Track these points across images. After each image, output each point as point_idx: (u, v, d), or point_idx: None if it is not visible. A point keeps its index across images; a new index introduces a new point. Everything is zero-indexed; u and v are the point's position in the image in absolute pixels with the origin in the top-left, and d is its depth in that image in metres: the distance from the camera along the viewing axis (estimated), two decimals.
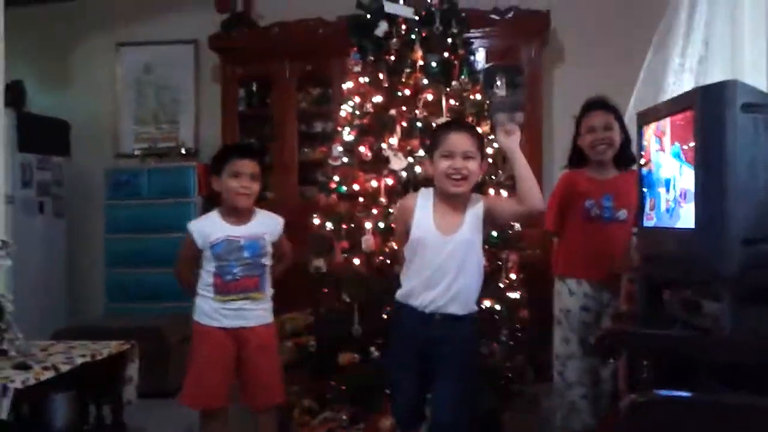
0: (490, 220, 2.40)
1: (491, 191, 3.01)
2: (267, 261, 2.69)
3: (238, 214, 2.68)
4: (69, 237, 5.22)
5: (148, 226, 4.79)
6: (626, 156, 2.98)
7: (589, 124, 2.96)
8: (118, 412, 3.04)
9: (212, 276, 2.64)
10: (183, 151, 5.03)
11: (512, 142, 2.31)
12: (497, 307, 2.95)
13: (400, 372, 2.44)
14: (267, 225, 2.72)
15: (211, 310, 2.64)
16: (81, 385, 2.95)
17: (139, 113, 5.42)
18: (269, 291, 2.73)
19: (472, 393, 2.43)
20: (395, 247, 2.81)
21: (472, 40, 3.56)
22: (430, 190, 2.42)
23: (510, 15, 4.47)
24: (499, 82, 4.70)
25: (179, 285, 2.81)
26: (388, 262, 2.91)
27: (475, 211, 2.35)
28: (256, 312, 2.68)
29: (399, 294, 2.42)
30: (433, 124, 2.96)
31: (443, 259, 2.31)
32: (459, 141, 2.31)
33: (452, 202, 2.35)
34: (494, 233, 2.95)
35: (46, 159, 5.00)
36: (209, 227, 2.67)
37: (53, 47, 5.49)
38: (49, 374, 2.55)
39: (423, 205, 2.37)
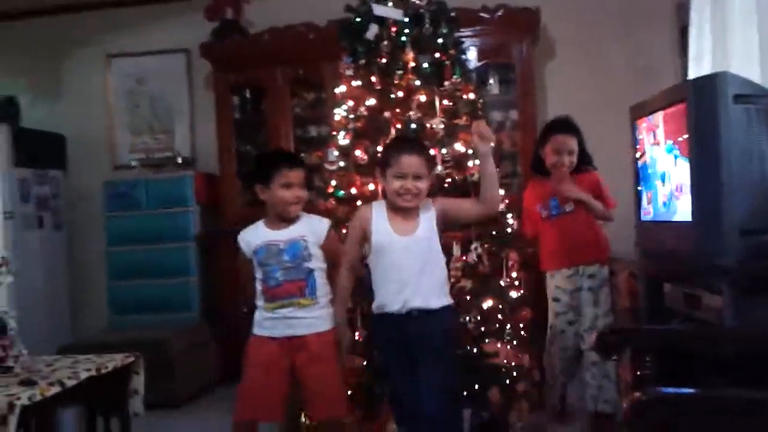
0: (446, 220, 2.55)
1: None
2: (313, 264, 2.60)
3: (282, 221, 2.65)
4: (69, 250, 5.23)
5: (148, 237, 4.79)
6: (582, 161, 3.34)
7: (555, 146, 3.31)
8: (126, 425, 3.05)
9: (261, 284, 2.62)
10: (179, 161, 5.03)
11: (486, 146, 2.48)
12: (499, 306, 2.96)
13: (395, 379, 2.52)
14: (308, 226, 2.65)
15: (261, 319, 2.63)
16: (88, 399, 2.96)
17: (134, 124, 5.43)
18: (323, 297, 2.62)
19: (454, 382, 2.50)
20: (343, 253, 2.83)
21: (462, 39, 3.55)
22: (383, 202, 2.56)
23: (500, 13, 4.47)
24: (491, 80, 4.71)
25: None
26: None
27: (428, 214, 2.50)
28: (307, 320, 2.58)
29: (375, 306, 2.52)
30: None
31: (407, 259, 2.44)
32: (410, 163, 2.44)
33: (405, 211, 2.49)
34: (494, 232, 2.98)
35: (43, 173, 5.00)
36: (252, 236, 2.66)
37: (44, 61, 5.48)
38: (55, 390, 2.55)
39: (378, 215, 2.51)
